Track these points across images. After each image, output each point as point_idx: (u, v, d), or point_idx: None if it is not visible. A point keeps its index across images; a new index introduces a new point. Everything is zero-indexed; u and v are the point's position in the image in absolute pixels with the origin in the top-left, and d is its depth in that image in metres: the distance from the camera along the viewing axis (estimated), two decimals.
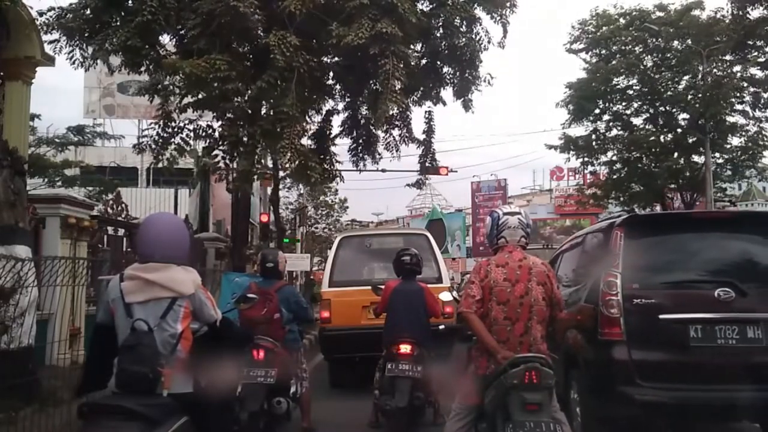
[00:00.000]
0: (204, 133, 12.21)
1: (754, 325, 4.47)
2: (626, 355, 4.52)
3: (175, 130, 11.80)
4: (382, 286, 6.27)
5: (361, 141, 13.88)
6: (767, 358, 4.42)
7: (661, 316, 4.53)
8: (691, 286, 4.77)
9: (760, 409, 4.43)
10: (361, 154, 14.01)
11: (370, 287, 6.85)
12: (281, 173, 16.42)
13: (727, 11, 19.17)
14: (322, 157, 12.46)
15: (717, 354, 4.45)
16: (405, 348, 5.56)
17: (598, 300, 4.69)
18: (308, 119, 12.81)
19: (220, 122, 11.93)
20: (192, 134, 12.13)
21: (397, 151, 13.95)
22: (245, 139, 11.01)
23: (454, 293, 6.04)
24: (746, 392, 4.31)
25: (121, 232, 11.36)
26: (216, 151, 12.27)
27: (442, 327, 6.31)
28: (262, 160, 11.27)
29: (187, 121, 12.09)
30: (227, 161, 12.36)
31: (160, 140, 11.41)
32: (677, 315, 4.52)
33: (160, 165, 11.97)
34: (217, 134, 11.97)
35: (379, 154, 14.15)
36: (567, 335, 5.09)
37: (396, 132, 13.78)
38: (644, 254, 4.75)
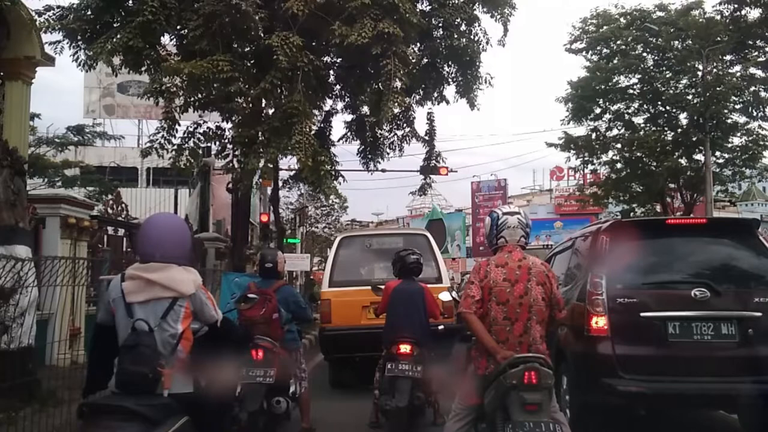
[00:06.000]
0: (214, 135, 12.20)
1: (727, 322, 4.85)
2: (610, 350, 4.89)
3: (186, 135, 11.80)
4: (382, 286, 6.28)
5: (367, 143, 13.91)
6: (740, 352, 4.80)
7: (642, 314, 4.89)
8: (670, 287, 5.14)
9: (735, 400, 4.87)
10: (370, 156, 14.04)
11: (370, 287, 6.86)
12: (290, 174, 16.38)
13: (724, 13, 19.19)
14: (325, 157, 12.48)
15: (693, 348, 4.83)
16: (405, 348, 5.56)
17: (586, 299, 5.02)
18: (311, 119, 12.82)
19: (230, 124, 11.91)
20: (203, 137, 12.12)
21: (401, 150, 14.01)
22: (258, 138, 10.99)
23: (454, 293, 6.04)
24: (720, 384, 4.76)
25: (121, 232, 11.37)
26: (228, 153, 12.24)
27: (441, 327, 6.31)
28: (271, 159, 11.17)
29: (196, 125, 12.09)
30: (239, 162, 12.33)
31: (175, 146, 11.39)
32: (657, 313, 4.89)
33: (179, 165, 11.91)
34: (228, 135, 11.95)
35: (387, 154, 14.21)
36: (558, 331, 5.32)
37: (399, 131, 13.84)
38: (627, 257, 5.07)
